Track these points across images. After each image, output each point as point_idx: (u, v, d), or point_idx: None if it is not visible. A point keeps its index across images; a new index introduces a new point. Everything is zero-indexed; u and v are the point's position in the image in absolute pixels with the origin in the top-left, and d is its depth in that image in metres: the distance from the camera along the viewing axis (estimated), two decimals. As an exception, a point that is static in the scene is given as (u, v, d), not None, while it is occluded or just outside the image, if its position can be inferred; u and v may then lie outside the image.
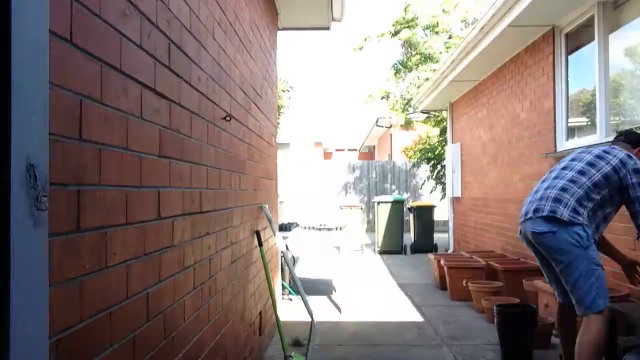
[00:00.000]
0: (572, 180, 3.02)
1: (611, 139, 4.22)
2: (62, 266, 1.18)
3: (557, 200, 2.98)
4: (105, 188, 1.41)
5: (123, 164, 1.52)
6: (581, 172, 3.03)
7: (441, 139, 12.34)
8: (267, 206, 4.27)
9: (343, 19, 5.76)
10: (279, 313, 4.27)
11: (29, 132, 0.89)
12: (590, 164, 3.04)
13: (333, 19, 5.71)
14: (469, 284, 5.67)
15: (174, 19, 2.00)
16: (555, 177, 3.12)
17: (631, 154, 3.06)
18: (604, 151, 3.09)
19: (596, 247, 3.01)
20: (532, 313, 3.92)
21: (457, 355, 4.11)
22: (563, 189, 3.00)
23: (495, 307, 4.02)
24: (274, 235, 4.52)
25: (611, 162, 3.00)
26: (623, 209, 3.14)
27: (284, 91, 14.77)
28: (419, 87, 12.95)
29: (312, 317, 4.02)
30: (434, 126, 13.15)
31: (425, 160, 12.77)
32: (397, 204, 10.55)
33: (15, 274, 0.84)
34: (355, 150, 30.05)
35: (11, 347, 0.83)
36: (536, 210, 3.05)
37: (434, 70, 11.59)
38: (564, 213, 2.92)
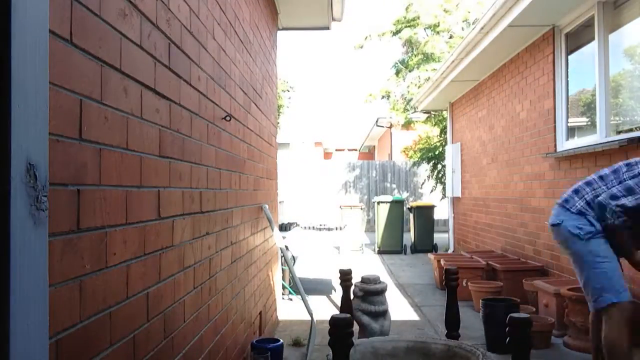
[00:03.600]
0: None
1: (611, 139, 4.22)
2: (62, 266, 1.18)
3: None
4: (105, 188, 1.41)
5: (123, 164, 1.52)
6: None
7: (441, 138, 12.34)
8: (267, 206, 4.26)
9: (343, 18, 5.76)
10: (278, 313, 4.27)
11: (29, 132, 0.89)
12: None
13: (333, 19, 5.71)
14: (469, 284, 5.67)
15: (174, 19, 2.00)
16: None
17: None
18: None
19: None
20: (515, 306, 4.13)
21: (457, 355, 4.12)
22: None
23: (481, 301, 4.27)
24: (274, 234, 4.50)
25: None
26: None
27: (284, 91, 14.78)
28: (419, 86, 12.96)
29: (312, 317, 4.02)
30: (433, 126, 13.15)
31: (425, 160, 12.77)
32: (397, 204, 10.54)
33: (15, 274, 0.84)
34: (356, 150, 30.06)
35: (11, 347, 0.83)
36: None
37: (435, 70, 11.59)
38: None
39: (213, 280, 2.59)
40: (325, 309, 5.60)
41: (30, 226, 0.89)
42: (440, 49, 13.62)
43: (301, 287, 4.28)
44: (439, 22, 13.80)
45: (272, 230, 4.47)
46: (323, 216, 13.33)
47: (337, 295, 6.24)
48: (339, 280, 4.13)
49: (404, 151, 17.39)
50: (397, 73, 15.05)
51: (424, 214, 10.57)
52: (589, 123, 4.94)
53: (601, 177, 2.98)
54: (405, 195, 16.04)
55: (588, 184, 3.02)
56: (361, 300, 4.08)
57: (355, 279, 4.24)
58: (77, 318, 1.25)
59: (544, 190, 5.49)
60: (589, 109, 5.01)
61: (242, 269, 3.37)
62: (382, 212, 10.52)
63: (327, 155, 29.35)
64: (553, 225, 3.06)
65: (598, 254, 2.83)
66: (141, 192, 1.66)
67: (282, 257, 6.01)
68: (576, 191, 3.03)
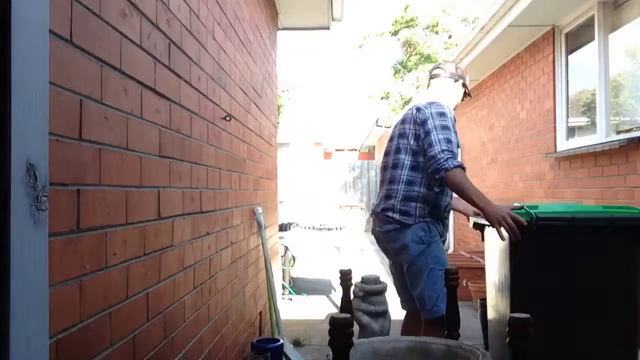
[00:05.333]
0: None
1: (611, 139, 4.23)
2: (62, 266, 1.17)
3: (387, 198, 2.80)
4: (105, 188, 1.41)
5: (123, 164, 1.52)
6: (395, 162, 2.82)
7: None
8: (260, 209, 3.96)
9: (343, 18, 5.76)
10: (278, 311, 4.26)
11: (29, 132, 0.89)
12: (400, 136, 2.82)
13: (333, 19, 5.71)
14: (469, 284, 5.67)
15: (174, 19, 2.00)
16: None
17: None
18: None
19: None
20: None
21: (457, 355, 4.12)
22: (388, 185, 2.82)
23: (479, 300, 4.23)
24: (262, 243, 4.08)
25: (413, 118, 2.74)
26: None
27: (284, 91, 14.79)
28: (418, 87, 12.96)
29: None
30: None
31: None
32: None
33: (15, 274, 0.84)
34: (356, 150, 30.03)
35: (11, 347, 0.83)
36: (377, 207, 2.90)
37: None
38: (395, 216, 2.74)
39: (213, 280, 2.59)
40: (325, 309, 5.60)
41: (30, 226, 0.89)
42: (438, 49, 13.64)
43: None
44: (437, 22, 13.81)
45: (261, 237, 4.01)
46: (323, 216, 13.33)
47: (337, 295, 6.24)
48: (339, 280, 4.13)
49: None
50: (396, 73, 15.07)
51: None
52: (589, 123, 4.94)
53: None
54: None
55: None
56: (361, 300, 4.07)
57: (355, 279, 4.23)
58: (77, 318, 1.25)
59: (544, 190, 5.49)
60: (589, 109, 5.01)
61: (242, 269, 3.37)
62: None
63: (327, 155, 29.34)
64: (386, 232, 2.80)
65: (437, 260, 2.73)
66: (141, 192, 1.66)
67: (282, 257, 6.01)
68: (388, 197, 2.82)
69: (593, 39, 4.56)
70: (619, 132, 4.38)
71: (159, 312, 1.81)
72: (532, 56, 5.86)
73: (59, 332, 1.16)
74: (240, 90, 3.37)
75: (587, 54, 4.88)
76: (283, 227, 6.56)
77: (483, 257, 6.20)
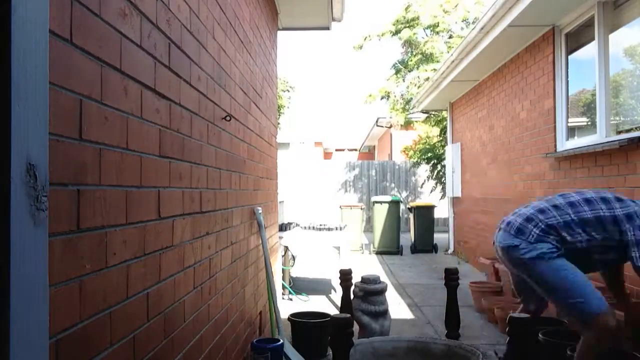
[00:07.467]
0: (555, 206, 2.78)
1: (611, 139, 4.23)
2: (62, 266, 1.18)
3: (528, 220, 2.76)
4: (105, 188, 1.41)
5: (123, 164, 1.52)
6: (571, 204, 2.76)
7: (441, 138, 12.33)
8: (260, 209, 3.94)
9: (343, 18, 5.76)
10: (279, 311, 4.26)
11: (29, 132, 0.89)
12: (588, 201, 2.77)
13: (333, 19, 5.71)
14: (470, 284, 5.68)
15: (174, 19, 2.00)
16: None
17: None
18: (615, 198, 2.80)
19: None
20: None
21: (457, 355, 4.11)
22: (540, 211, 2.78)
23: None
24: (262, 243, 4.04)
25: (615, 210, 2.70)
26: None
27: (284, 91, 14.77)
28: (419, 86, 12.95)
29: None
30: (433, 126, 13.15)
31: (425, 160, 12.76)
32: (394, 204, 10.39)
33: (15, 274, 0.84)
34: (356, 150, 30.05)
35: (11, 347, 0.83)
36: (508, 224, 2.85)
37: (435, 70, 11.56)
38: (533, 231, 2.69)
39: (213, 280, 2.59)
40: (325, 309, 5.60)
41: (30, 226, 0.89)
42: (439, 49, 13.61)
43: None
44: (438, 23, 13.79)
45: (261, 237, 3.98)
46: (323, 216, 13.34)
47: (337, 295, 6.24)
48: (339, 280, 4.13)
49: (404, 151, 17.37)
50: (397, 73, 15.04)
51: (424, 213, 10.55)
52: (589, 123, 4.94)
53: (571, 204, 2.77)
54: (404, 195, 16.03)
55: (553, 208, 2.78)
56: (361, 300, 4.08)
57: (355, 279, 4.23)
58: (77, 318, 1.25)
59: (544, 190, 5.49)
60: (589, 109, 5.01)
61: (242, 269, 3.37)
62: (379, 213, 10.40)
63: (327, 155, 29.35)
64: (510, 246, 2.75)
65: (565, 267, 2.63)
66: (141, 192, 1.66)
67: (282, 257, 6.01)
68: (529, 219, 2.76)
69: (593, 39, 4.56)
70: (619, 132, 4.38)
71: (159, 312, 1.81)
72: (532, 56, 5.86)
73: (59, 332, 1.16)
74: (240, 90, 3.37)
75: (587, 54, 4.88)
76: (283, 227, 6.56)
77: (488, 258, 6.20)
